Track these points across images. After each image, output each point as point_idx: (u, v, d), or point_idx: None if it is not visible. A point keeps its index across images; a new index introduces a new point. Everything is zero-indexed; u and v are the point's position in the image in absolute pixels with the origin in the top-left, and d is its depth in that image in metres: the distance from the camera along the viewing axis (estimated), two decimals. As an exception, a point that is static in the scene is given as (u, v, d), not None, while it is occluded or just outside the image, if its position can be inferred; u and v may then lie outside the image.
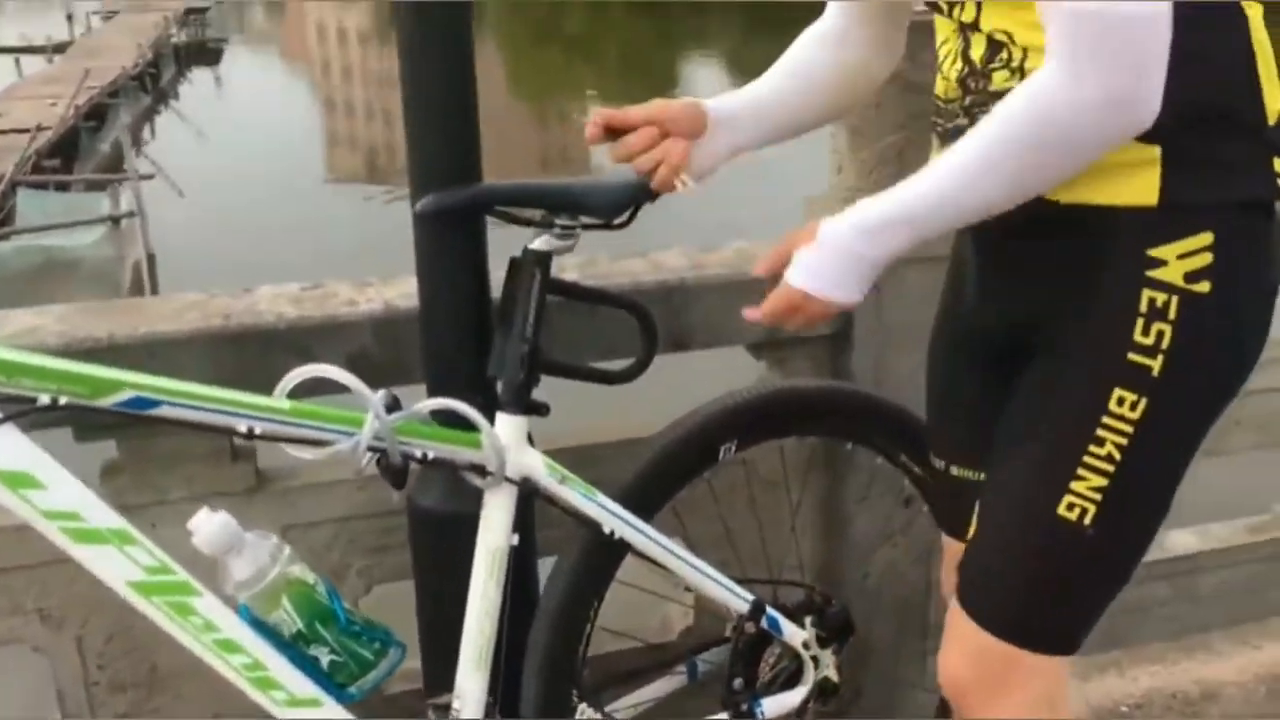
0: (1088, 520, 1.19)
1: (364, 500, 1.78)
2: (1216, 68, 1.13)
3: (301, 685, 1.28)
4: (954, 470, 1.47)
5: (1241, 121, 1.13)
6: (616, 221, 1.40)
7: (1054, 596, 1.25)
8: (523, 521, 1.61)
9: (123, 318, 1.62)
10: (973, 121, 1.18)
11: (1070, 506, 1.19)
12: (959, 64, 1.24)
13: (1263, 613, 2.44)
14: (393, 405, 1.30)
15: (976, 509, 1.31)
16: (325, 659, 1.32)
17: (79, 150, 16.29)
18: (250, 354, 1.62)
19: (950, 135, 1.25)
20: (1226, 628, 2.42)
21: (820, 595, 1.71)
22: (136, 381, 1.17)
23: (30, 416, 1.12)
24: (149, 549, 1.20)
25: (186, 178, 14.19)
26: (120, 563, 1.19)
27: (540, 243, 1.41)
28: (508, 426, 1.41)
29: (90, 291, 9.11)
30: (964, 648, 1.30)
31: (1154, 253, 1.14)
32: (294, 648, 1.30)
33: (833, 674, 1.69)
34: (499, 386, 1.44)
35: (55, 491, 1.15)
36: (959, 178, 1.14)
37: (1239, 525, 2.43)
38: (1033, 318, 1.26)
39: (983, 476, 1.38)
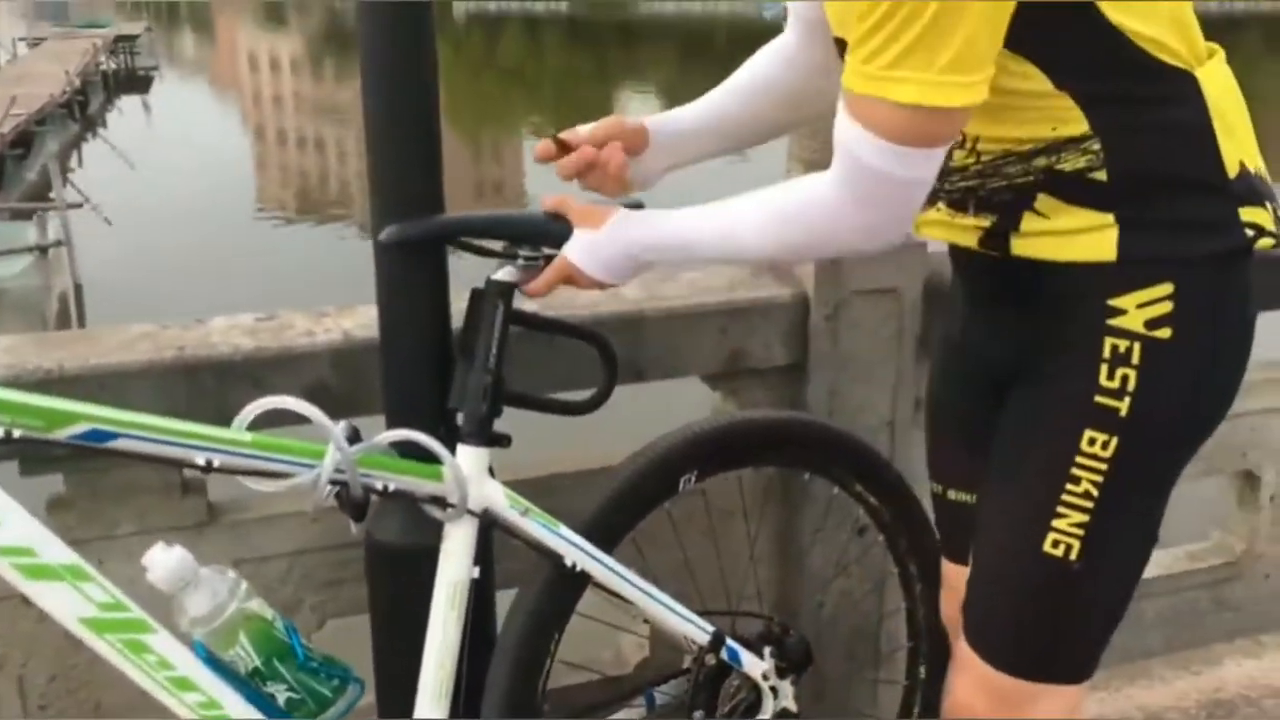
0: (1074, 555, 1.23)
1: (318, 533, 1.75)
2: (1170, 141, 1.17)
3: None
4: (951, 494, 1.51)
5: (1199, 185, 1.18)
6: None
7: (1054, 630, 1.29)
8: (483, 554, 1.61)
9: (73, 348, 1.59)
10: (942, 187, 1.26)
11: (1055, 544, 1.23)
12: None
13: (1203, 638, 2.49)
14: (353, 437, 1.29)
15: (972, 547, 1.35)
16: (282, 696, 1.29)
17: (4, 178, 15.95)
18: (204, 386, 1.59)
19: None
20: (1168, 654, 2.47)
21: (779, 626, 1.71)
22: (92, 414, 1.15)
23: (-22, 451, 1.09)
24: (103, 585, 1.18)
25: (115, 207, 13.96)
26: (73, 599, 1.16)
27: (504, 274, 1.41)
28: (469, 458, 1.40)
29: (15, 322, 8.91)
30: (975, 681, 1.33)
31: (1114, 302, 1.19)
32: (250, 685, 1.28)
33: (791, 704, 1.69)
34: (460, 418, 1.43)
35: (7, 527, 1.12)
36: (736, 230, 1.30)
37: (1179, 552, 2.49)
38: (1009, 358, 1.31)
39: (975, 499, 1.42)
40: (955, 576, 1.49)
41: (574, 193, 1.43)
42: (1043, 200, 1.19)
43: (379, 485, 1.31)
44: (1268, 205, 1.20)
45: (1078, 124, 1.15)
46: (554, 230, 1.39)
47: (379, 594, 1.64)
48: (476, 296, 1.43)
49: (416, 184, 1.46)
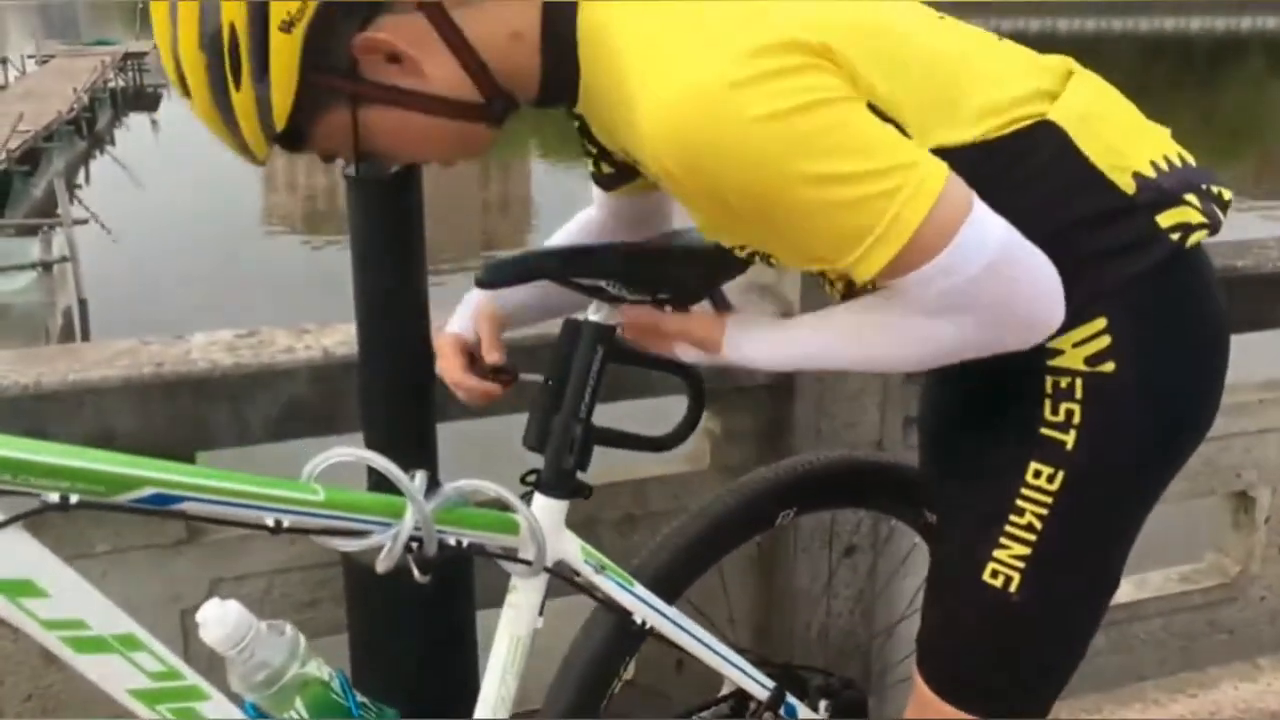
0: (1013, 588, 1.20)
1: (296, 553, 1.74)
2: (1048, 191, 1.13)
3: None
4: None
5: (1102, 216, 1.14)
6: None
7: (996, 664, 1.26)
8: (465, 577, 1.59)
9: (51, 364, 1.58)
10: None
11: (994, 574, 1.21)
12: None
13: (1198, 661, 2.47)
14: (428, 487, 1.23)
15: (927, 573, 1.33)
16: None
17: (10, 194, 16.01)
18: (182, 403, 1.58)
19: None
20: (1161, 677, 2.44)
21: (839, 681, 1.67)
22: (157, 478, 1.07)
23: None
24: (156, 653, 1.11)
25: (122, 223, 13.99)
26: (124, 671, 1.09)
27: (605, 315, 1.30)
28: (547, 511, 1.31)
29: (18, 337, 8.92)
30: (921, 706, 1.30)
31: (1049, 344, 1.15)
32: None
33: None
34: (545, 467, 1.33)
35: (59, 599, 1.04)
36: (854, 350, 1.21)
37: (1173, 573, 2.47)
38: (967, 398, 1.29)
39: None
40: None
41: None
42: None
43: (452, 541, 1.23)
44: (1188, 197, 1.14)
45: None
46: (676, 275, 1.29)
47: (357, 615, 1.62)
48: (571, 333, 1.31)
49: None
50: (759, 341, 1.26)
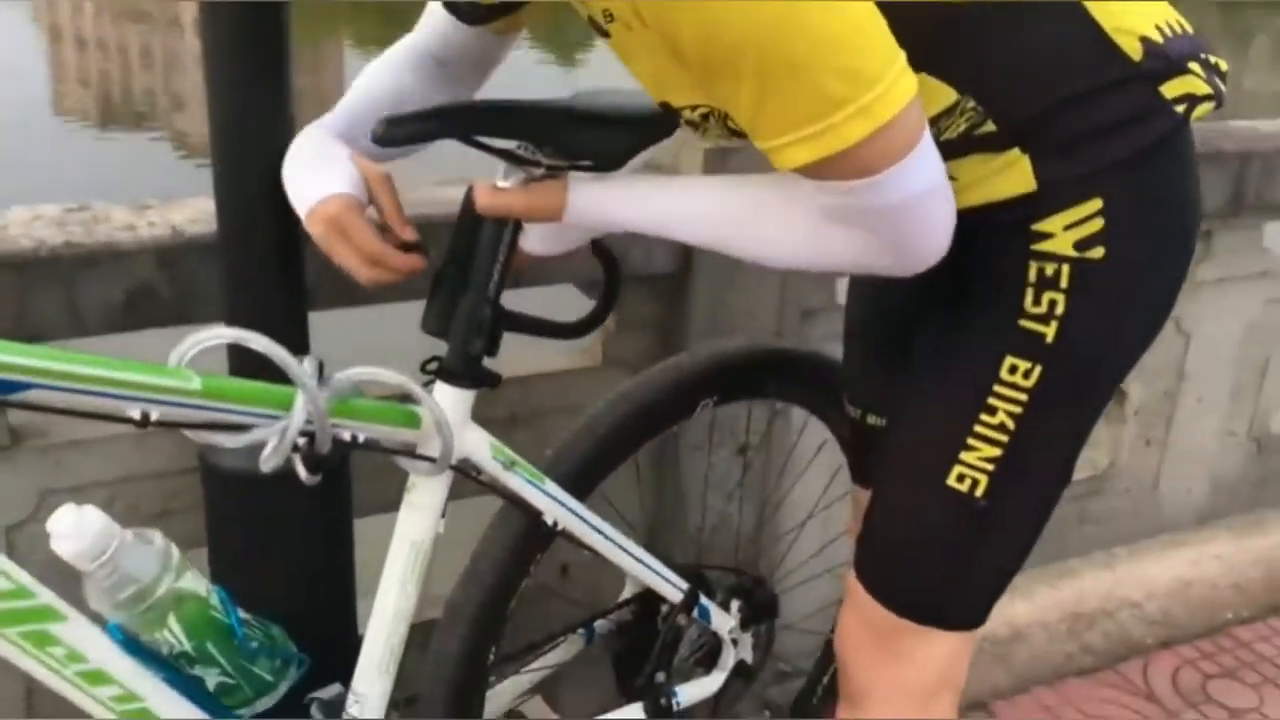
0: (979, 491, 1.12)
1: (142, 458, 1.53)
2: (1047, 60, 1.05)
3: (183, 715, 1.07)
4: (870, 419, 1.39)
5: (1104, 86, 1.05)
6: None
7: (948, 571, 1.18)
8: (342, 480, 1.43)
9: None
10: None
11: (960, 478, 1.13)
12: None
13: (1063, 552, 2.51)
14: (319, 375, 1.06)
15: (874, 475, 1.23)
16: (213, 681, 1.09)
17: None
18: (2, 287, 1.35)
19: None
20: (1028, 569, 2.47)
21: (751, 579, 1.59)
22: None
23: None
24: (4, 570, 0.94)
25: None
26: None
27: (515, 183, 1.14)
28: (452, 401, 1.18)
29: None
30: (859, 615, 1.23)
31: (1038, 227, 1.07)
32: (174, 668, 1.08)
33: (749, 656, 1.58)
34: (449, 353, 1.18)
35: None
36: (723, 226, 1.11)
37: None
38: (935, 281, 1.18)
39: None
40: (862, 501, 1.39)
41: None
42: None
43: (346, 436, 1.08)
44: (1192, 66, 1.07)
45: (945, 95, 1.04)
46: (598, 137, 1.14)
47: (218, 526, 1.44)
48: (468, 209, 1.16)
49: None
50: (607, 199, 1.13)
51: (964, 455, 1.12)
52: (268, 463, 1.03)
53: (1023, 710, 2.16)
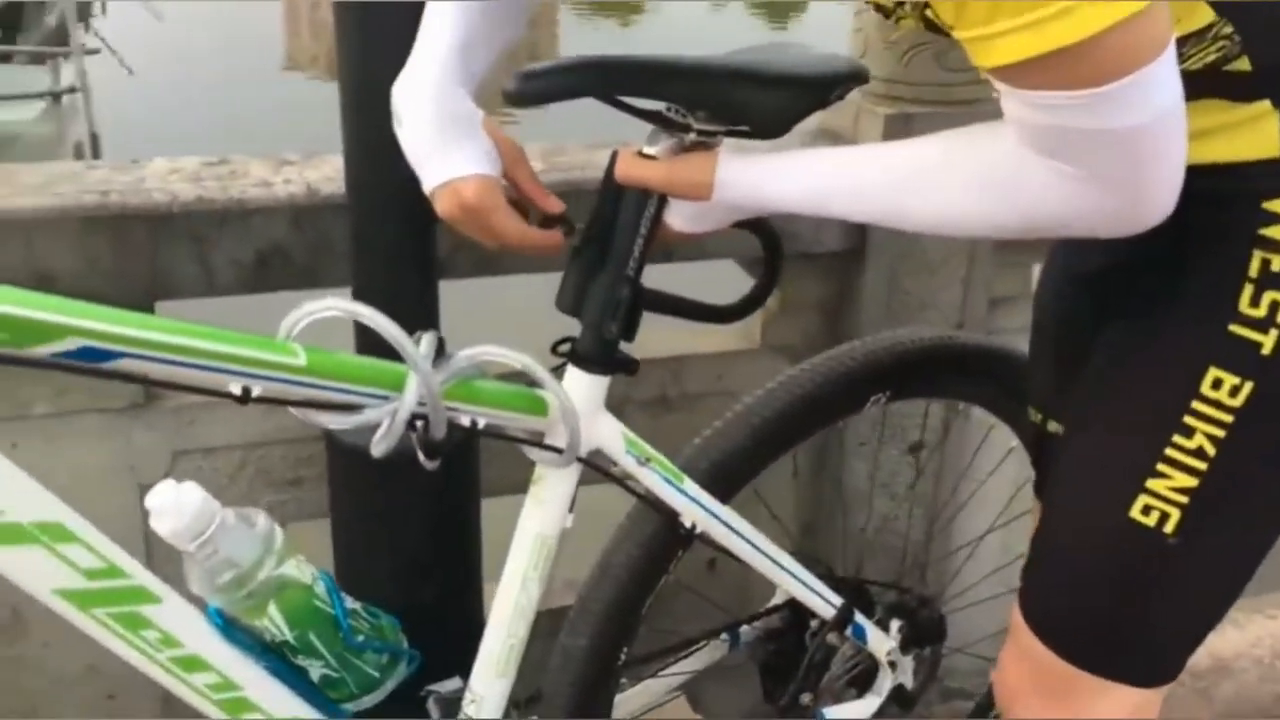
0: (1169, 527, 0.94)
1: (277, 422, 1.49)
2: None
3: (284, 706, 1.00)
4: (1051, 425, 1.21)
5: None
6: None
7: (1127, 617, 1.00)
8: (470, 462, 1.35)
9: (-26, 188, 1.31)
10: None
11: (1147, 510, 0.94)
12: None
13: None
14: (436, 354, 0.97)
15: (1044, 497, 1.06)
16: (317, 673, 1.02)
17: (23, 21, 15.52)
18: (133, 243, 1.31)
19: None
20: (1245, 596, 2.21)
21: (915, 598, 1.44)
22: (85, 326, 0.82)
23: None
24: (93, 546, 0.87)
25: (139, 58, 13.55)
26: (49, 567, 0.86)
27: (664, 149, 1.01)
28: (584, 388, 1.06)
29: (25, 171, 8.62)
30: (1024, 658, 1.05)
31: (1272, 205, 0.88)
32: (276, 657, 1.01)
33: (909, 680, 1.42)
34: (581, 335, 1.07)
35: None
36: (908, 188, 0.93)
37: None
38: (1132, 264, 0.99)
39: None
40: None
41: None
42: None
43: (465, 421, 0.99)
44: None
45: (1201, 14, 0.84)
46: (755, 101, 1.00)
47: (341, 500, 1.38)
48: (608, 178, 1.04)
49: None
50: (762, 176, 0.98)
51: (1152, 483, 0.94)
52: (378, 446, 0.94)
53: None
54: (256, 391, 0.88)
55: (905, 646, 1.41)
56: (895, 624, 1.40)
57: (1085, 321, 1.08)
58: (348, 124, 1.20)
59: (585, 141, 1.49)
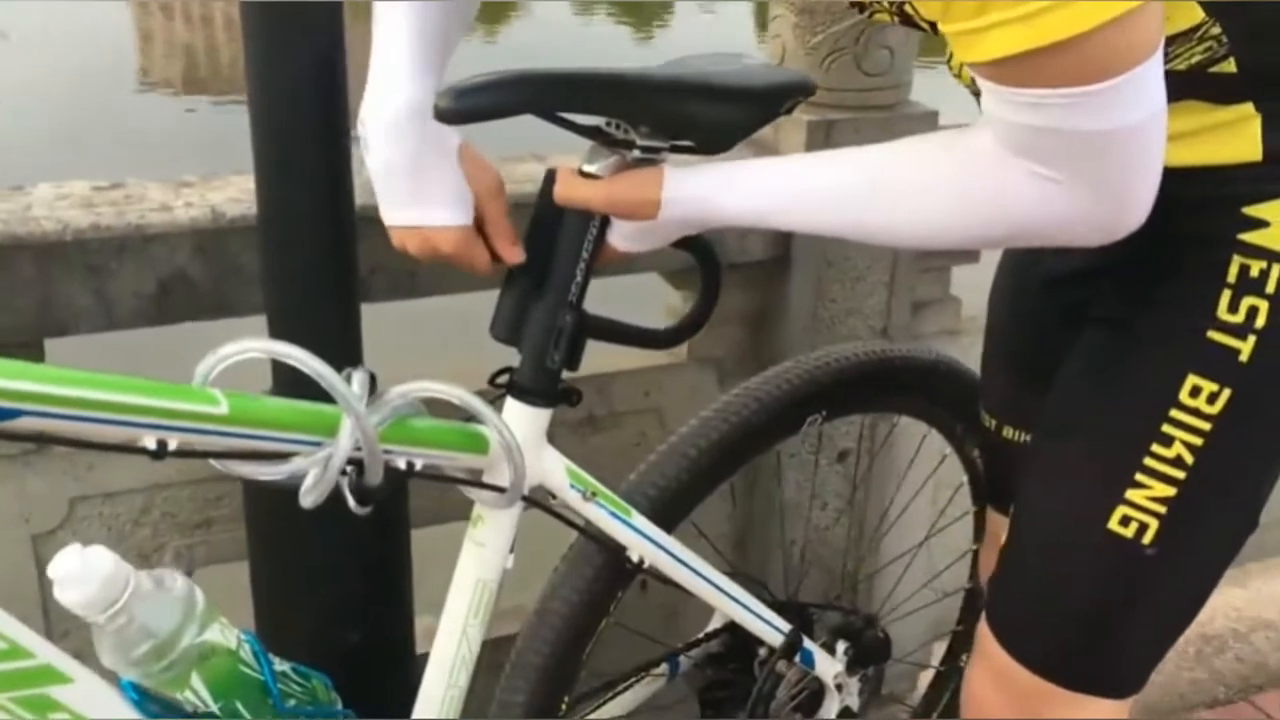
0: (1147, 538, 0.93)
1: (180, 464, 1.38)
2: None
3: None
4: (1006, 432, 1.20)
5: None
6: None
7: (1101, 629, 0.99)
8: (397, 496, 1.27)
9: None
10: None
11: (1125, 520, 0.94)
12: None
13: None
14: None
15: (1014, 507, 1.04)
16: None
17: None
18: (20, 276, 1.20)
19: None
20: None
21: (860, 618, 1.41)
22: None
23: None
24: None
25: (-17, 78, 12.94)
26: None
27: (604, 167, 0.96)
28: (524, 421, 1.01)
29: None
30: (993, 673, 1.04)
31: (1252, 211, 0.87)
32: None
33: (854, 702, 1.39)
34: (521, 365, 1.02)
35: None
36: (849, 199, 0.90)
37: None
38: (1106, 268, 0.98)
39: None
40: (1000, 528, 1.20)
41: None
42: None
43: (401, 463, 0.92)
44: None
45: (1190, 13, 0.83)
46: (703, 116, 0.95)
47: (260, 542, 1.29)
48: (546, 197, 0.98)
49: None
50: (710, 191, 0.93)
51: (1130, 494, 0.93)
52: (308, 497, 0.87)
53: (1149, 747, 1.95)
54: (173, 445, 0.81)
55: (851, 668, 1.39)
56: (841, 646, 1.37)
57: (1051, 325, 1.07)
58: (259, 142, 1.12)
59: (505, 151, 1.44)
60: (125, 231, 1.23)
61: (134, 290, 1.25)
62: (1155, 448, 0.92)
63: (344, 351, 1.19)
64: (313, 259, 1.16)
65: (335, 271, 1.18)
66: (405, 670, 1.35)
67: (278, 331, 1.18)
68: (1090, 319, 1.00)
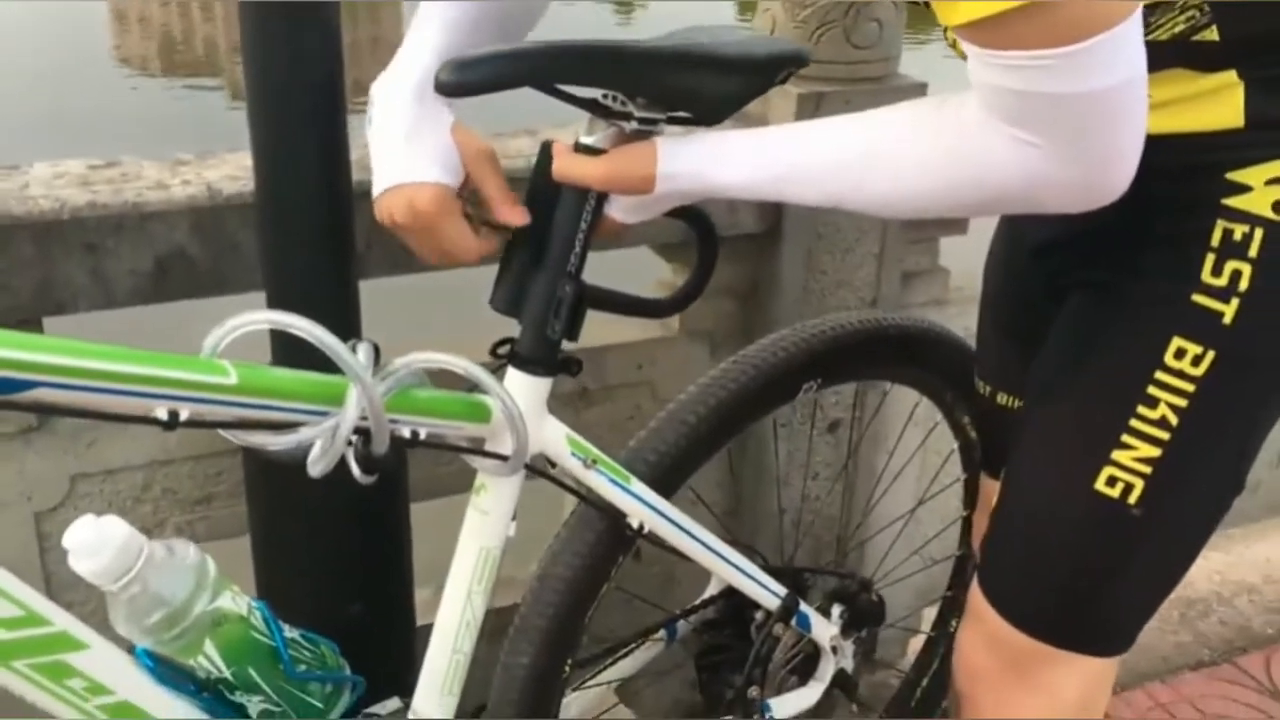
0: (1132, 498, 0.96)
1: (179, 438, 1.40)
2: None
3: None
4: (999, 398, 1.23)
5: None
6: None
7: (1090, 588, 1.02)
8: (399, 469, 1.29)
9: None
10: None
11: (1111, 480, 0.96)
12: None
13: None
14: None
15: (1005, 471, 1.07)
16: (255, 708, 0.96)
17: None
18: (20, 255, 1.21)
19: None
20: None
21: (856, 581, 1.43)
22: None
23: None
24: (12, 595, 0.80)
25: (-43, 59, 12.81)
26: None
27: (603, 139, 0.98)
28: (525, 390, 1.03)
29: None
30: (984, 634, 1.06)
31: (1235, 176, 0.89)
32: (211, 694, 0.94)
33: (849, 664, 1.41)
34: (522, 336, 1.03)
35: None
36: (839, 168, 0.92)
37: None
38: (1091, 234, 1.00)
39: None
40: (993, 493, 1.22)
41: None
42: None
43: (406, 432, 0.94)
44: None
45: None
46: (704, 87, 0.97)
47: (261, 512, 1.31)
48: (544, 167, 0.99)
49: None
50: (705, 163, 0.95)
51: (1117, 455, 0.96)
52: (316, 466, 0.89)
53: (1135, 708, 1.98)
54: (184, 415, 0.82)
55: (845, 630, 1.41)
56: (837, 610, 1.40)
57: (1039, 292, 1.09)
58: (256, 120, 1.13)
59: (496, 127, 1.45)
60: (122, 210, 1.24)
61: (132, 268, 1.25)
62: (1141, 409, 0.94)
63: (343, 326, 1.20)
64: (310, 235, 1.18)
65: (333, 247, 1.19)
66: (406, 641, 1.37)
67: (276, 307, 1.19)
68: (1076, 284, 1.02)
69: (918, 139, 0.88)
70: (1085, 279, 1.01)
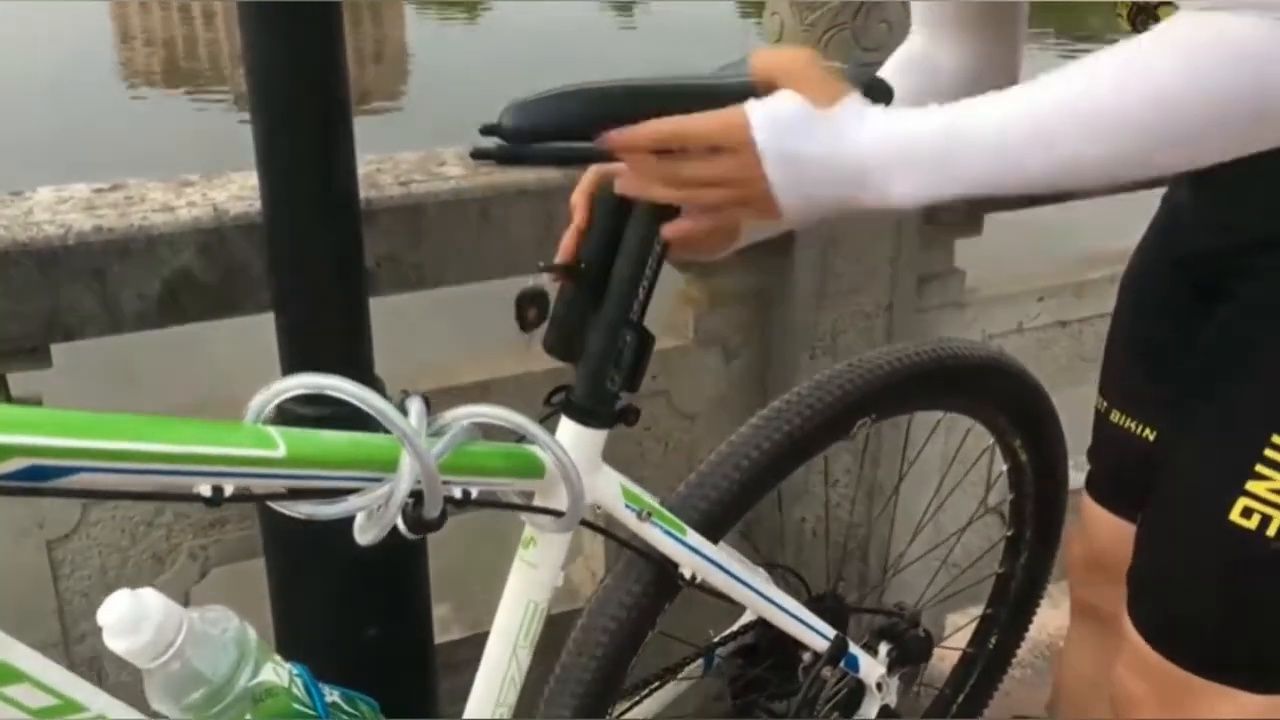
0: (1271, 530, 0.92)
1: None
2: None
3: None
4: (1114, 416, 1.19)
5: None
6: None
7: (1235, 621, 0.98)
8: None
9: None
10: None
11: (1246, 512, 0.93)
12: None
13: None
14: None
15: (1151, 500, 1.04)
16: None
17: None
18: (24, 282, 1.19)
19: None
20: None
21: (906, 619, 1.39)
22: (32, 444, 0.70)
23: None
24: (42, 681, 0.75)
25: (-39, 78, 12.83)
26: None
27: None
28: (580, 443, 0.97)
29: None
30: (1136, 664, 1.03)
31: None
32: None
33: (893, 700, 1.37)
34: (577, 385, 0.97)
35: None
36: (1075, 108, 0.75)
37: None
38: (1242, 246, 0.96)
39: (1144, 432, 1.12)
40: (1092, 517, 1.21)
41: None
42: None
43: (458, 493, 0.89)
44: None
45: None
46: None
47: (273, 536, 1.29)
48: (616, 207, 0.92)
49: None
50: (915, 136, 0.80)
51: (1251, 485, 0.92)
52: (365, 535, 0.85)
53: None
54: (229, 490, 0.77)
55: (892, 668, 1.37)
56: (884, 648, 1.37)
57: (1177, 304, 1.05)
58: (262, 138, 1.12)
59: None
60: (128, 233, 1.22)
61: (139, 292, 1.24)
62: (1276, 438, 0.90)
63: (353, 345, 1.18)
64: (319, 254, 1.16)
65: (342, 266, 1.17)
66: (424, 663, 1.36)
67: (285, 327, 1.18)
68: (1221, 299, 0.99)
69: (1151, 61, 0.74)
70: (1231, 294, 0.98)
